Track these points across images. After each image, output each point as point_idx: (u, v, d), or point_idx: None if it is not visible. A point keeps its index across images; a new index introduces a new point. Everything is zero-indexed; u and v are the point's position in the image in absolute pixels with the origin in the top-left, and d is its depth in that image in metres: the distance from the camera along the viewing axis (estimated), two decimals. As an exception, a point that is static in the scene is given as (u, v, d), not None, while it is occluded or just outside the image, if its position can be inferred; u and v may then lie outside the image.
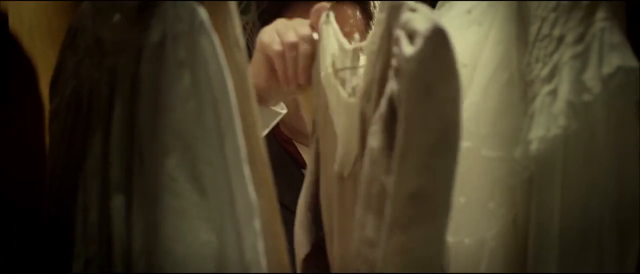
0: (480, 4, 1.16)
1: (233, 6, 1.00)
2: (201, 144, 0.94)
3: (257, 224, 0.94)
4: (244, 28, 2.30)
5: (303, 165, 1.82)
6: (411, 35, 0.93)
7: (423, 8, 0.95)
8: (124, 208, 0.98)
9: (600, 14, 1.04)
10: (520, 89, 1.08)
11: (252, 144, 1.00)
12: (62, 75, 1.10)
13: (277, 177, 1.79)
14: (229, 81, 0.95)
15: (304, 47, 1.29)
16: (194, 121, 0.94)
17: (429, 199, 0.94)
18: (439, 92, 0.91)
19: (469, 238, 1.09)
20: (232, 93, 0.95)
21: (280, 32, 1.30)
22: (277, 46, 1.29)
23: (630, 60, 1.00)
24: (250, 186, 0.95)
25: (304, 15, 1.70)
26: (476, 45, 1.13)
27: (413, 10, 0.95)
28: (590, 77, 1.01)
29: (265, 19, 1.82)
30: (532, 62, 1.08)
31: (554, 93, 1.03)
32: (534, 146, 1.03)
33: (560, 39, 1.05)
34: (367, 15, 1.77)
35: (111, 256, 0.99)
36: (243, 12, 2.29)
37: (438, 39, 0.91)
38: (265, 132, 1.41)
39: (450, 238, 1.09)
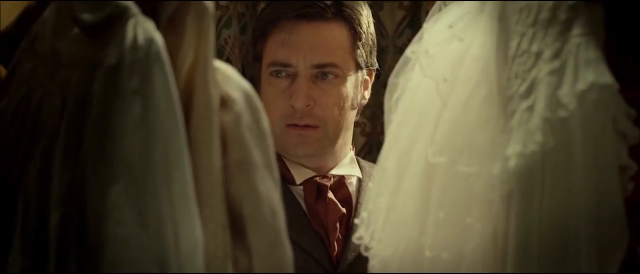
0: (462, 18, 1.17)
1: (212, 38, 1.00)
2: (148, 176, 0.94)
3: (200, 261, 0.95)
4: (226, 42, 2.31)
5: (291, 181, 1.81)
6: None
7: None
8: (61, 228, 0.98)
9: (577, 30, 1.05)
10: (499, 105, 1.09)
11: (202, 175, 1.00)
12: (16, 77, 1.10)
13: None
14: (179, 114, 0.95)
15: None
16: (143, 152, 0.94)
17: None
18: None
19: (447, 252, 1.10)
20: (181, 127, 0.95)
21: None
22: None
23: (604, 77, 1.01)
24: (197, 219, 0.96)
25: (293, 32, 1.72)
26: (456, 60, 1.14)
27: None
28: (566, 93, 1.01)
29: (254, 37, 1.83)
30: (511, 77, 1.08)
31: (531, 109, 1.04)
32: (512, 162, 1.04)
33: (538, 55, 1.06)
34: (355, 34, 1.78)
35: (46, 271, 0.99)
36: (225, 26, 2.30)
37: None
38: None
39: (428, 253, 1.10)
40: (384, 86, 2.56)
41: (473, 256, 1.08)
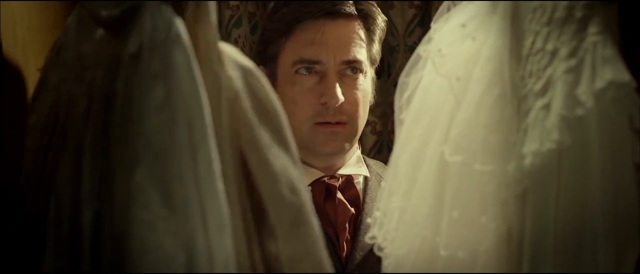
0: (475, 18, 1.16)
1: (213, 17, 1.00)
2: (171, 157, 0.93)
3: (228, 240, 0.94)
4: (236, 41, 2.31)
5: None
6: None
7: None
8: (94, 221, 0.97)
9: (593, 28, 1.04)
10: (513, 104, 1.09)
11: (226, 158, 0.99)
12: (43, 92, 1.10)
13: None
14: (203, 95, 0.95)
15: None
16: (166, 133, 0.93)
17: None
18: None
19: (462, 251, 1.10)
20: (206, 107, 0.95)
21: None
22: None
23: (622, 75, 1.01)
24: (224, 201, 0.94)
25: (321, 30, 1.72)
26: (469, 60, 1.14)
27: None
28: (583, 91, 1.01)
29: (268, 37, 1.83)
30: (525, 76, 1.08)
31: (547, 107, 1.04)
32: (528, 160, 1.03)
33: (554, 53, 1.05)
34: (370, 31, 1.79)
35: (81, 269, 0.98)
36: (235, 25, 2.30)
37: None
38: None
39: (443, 252, 1.10)
40: (395, 84, 2.56)
41: (488, 256, 1.08)
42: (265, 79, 1.05)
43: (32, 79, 1.24)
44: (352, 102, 1.73)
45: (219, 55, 1.00)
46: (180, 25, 0.96)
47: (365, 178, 1.84)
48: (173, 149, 0.93)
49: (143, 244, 0.91)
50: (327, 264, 1.03)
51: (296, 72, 1.75)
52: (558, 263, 1.03)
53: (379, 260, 1.24)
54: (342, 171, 1.81)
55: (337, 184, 1.77)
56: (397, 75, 2.37)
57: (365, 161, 1.88)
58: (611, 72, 1.01)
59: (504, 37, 1.11)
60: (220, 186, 0.95)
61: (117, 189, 0.94)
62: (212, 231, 0.93)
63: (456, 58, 1.15)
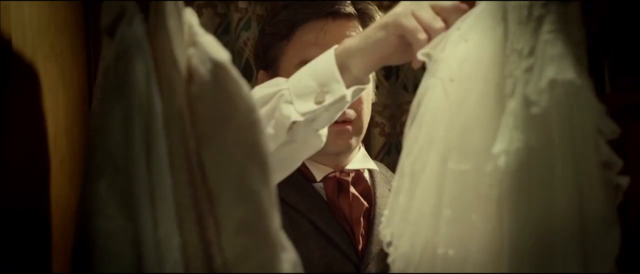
0: (467, 20, 1.18)
1: (171, 23, 1.01)
2: (130, 170, 0.96)
3: (176, 252, 0.97)
4: (245, 44, 2.32)
5: (311, 179, 1.84)
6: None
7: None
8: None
9: (547, 26, 1.05)
10: (496, 105, 1.10)
11: (187, 164, 1.01)
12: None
13: (289, 189, 1.80)
14: (157, 105, 0.97)
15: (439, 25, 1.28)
16: (125, 147, 0.96)
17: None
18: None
19: (453, 249, 1.11)
20: (159, 118, 0.97)
21: (424, 20, 1.29)
22: (422, 34, 1.28)
23: (565, 73, 1.01)
24: (172, 211, 0.97)
25: (324, 30, 1.73)
26: (463, 61, 1.15)
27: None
28: (532, 91, 1.02)
29: (268, 41, 1.84)
30: (506, 76, 1.09)
31: (513, 107, 1.06)
32: (500, 160, 1.05)
33: (520, 53, 1.07)
34: None
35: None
36: (244, 28, 2.31)
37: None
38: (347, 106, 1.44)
39: (440, 250, 1.12)
40: (403, 87, 2.57)
41: (479, 254, 1.09)
42: (237, 74, 1.04)
43: (40, 81, 1.25)
44: (357, 100, 1.75)
45: (173, 59, 1.00)
46: (142, 35, 0.98)
47: (371, 172, 1.88)
48: (131, 161, 0.96)
49: (106, 254, 0.95)
50: None
51: None
52: (534, 263, 1.03)
53: None
54: (350, 166, 1.84)
55: (349, 179, 1.80)
56: (405, 77, 2.38)
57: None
58: (553, 70, 1.01)
59: (492, 38, 1.12)
60: (170, 197, 0.97)
61: (83, 199, 0.98)
62: (162, 239, 0.96)
63: (451, 60, 1.16)
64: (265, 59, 1.84)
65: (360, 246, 1.78)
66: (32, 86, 1.23)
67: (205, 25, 2.35)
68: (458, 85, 1.13)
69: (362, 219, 1.78)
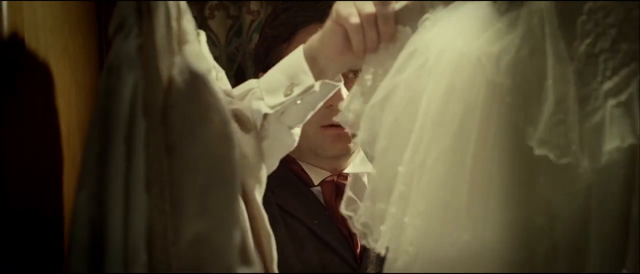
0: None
1: (161, 39, 1.01)
2: (108, 180, 0.98)
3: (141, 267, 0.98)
4: (237, 50, 2.33)
5: (309, 183, 1.83)
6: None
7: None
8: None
9: None
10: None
11: (159, 178, 1.02)
12: None
13: (287, 194, 1.80)
14: (140, 123, 0.98)
15: (383, 18, 1.29)
16: (104, 157, 0.98)
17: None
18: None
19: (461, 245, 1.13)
20: (140, 135, 0.98)
21: (358, 5, 1.31)
22: (354, 19, 1.31)
23: None
24: (142, 232, 0.99)
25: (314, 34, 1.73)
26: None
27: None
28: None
29: (269, 44, 1.84)
30: (586, 76, 1.12)
31: (624, 105, 1.10)
32: (614, 156, 1.07)
33: (629, 53, 1.09)
34: None
35: None
36: (256, 30, 2.32)
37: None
38: (320, 105, 1.45)
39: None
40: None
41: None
42: (215, 85, 1.05)
43: (52, 83, 1.26)
44: None
45: (157, 74, 1.01)
46: (134, 51, 0.99)
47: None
48: (109, 174, 0.98)
49: (78, 262, 0.99)
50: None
51: None
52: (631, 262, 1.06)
53: None
54: (348, 170, 1.83)
55: (346, 183, 1.79)
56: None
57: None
58: None
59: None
60: (143, 211, 0.99)
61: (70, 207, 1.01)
62: (130, 250, 0.98)
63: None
64: (266, 62, 1.83)
65: (358, 250, 1.77)
66: (45, 86, 1.24)
67: (217, 27, 2.35)
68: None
69: (360, 223, 1.77)
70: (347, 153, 1.81)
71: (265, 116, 1.38)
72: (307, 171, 1.84)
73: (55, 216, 1.21)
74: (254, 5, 2.32)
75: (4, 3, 1.13)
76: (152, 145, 1.00)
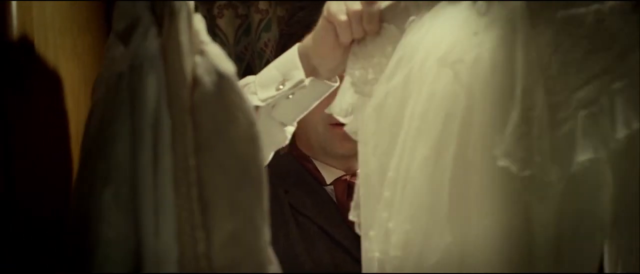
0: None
1: (185, 39, 1.01)
2: (137, 179, 0.97)
3: (173, 264, 0.98)
4: (265, 45, 2.33)
5: (322, 182, 1.84)
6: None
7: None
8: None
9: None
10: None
11: (187, 176, 1.02)
12: (95, 89, 1.14)
13: (300, 192, 1.80)
14: (165, 120, 0.98)
15: (368, 16, 1.33)
16: (133, 157, 0.98)
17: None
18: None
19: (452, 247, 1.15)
20: (167, 134, 0.98)
21: (348, 3, 1.35)
22: (343, 16, 1.34)
23: None
24: (172, 224, 0.98)
25: None
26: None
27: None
28: None
29: (286, 42, 1.84)
30: (553, 86, 1.12)
31: (597, 115, 1.12)
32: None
33: (603, 66, 1.10)
34: None
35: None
36: (265, 29, 2.32)
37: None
38: (314, 105, 1.48)
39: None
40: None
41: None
42: (239, 87, 1.05)
43: (62, 83, 1.26)
44: None
45: (182, 75, 1.01)
46: (156, 50, 0.99)
47: None
48: (137, 172, 0.97)
49: (106, 261, 0.97)
50: None
51: None
52: None
53: None
54: None
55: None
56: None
57: None
58: None
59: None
60: (171, 208, 0.99)
61: (92, 204, 0.99)
62: (161, 252, 0.97)
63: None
64: None
65: (369, 249, 1.77)
66: (54, 87, 1.24)
67: (226, 26, 2.35)
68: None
69: (371, 222, 1.78)
70: (356, 152, 1.81)
71: (257, 109, 1.40)
72: (320, 170, 1.86)
73: (65, 216, 1.21)
74: (262, 5, 2.33)
75: (13, 3, 1.14)
76: (178, 144, 1.00)
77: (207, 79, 1.01)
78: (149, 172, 0.97)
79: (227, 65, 1.03)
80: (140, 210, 0.96)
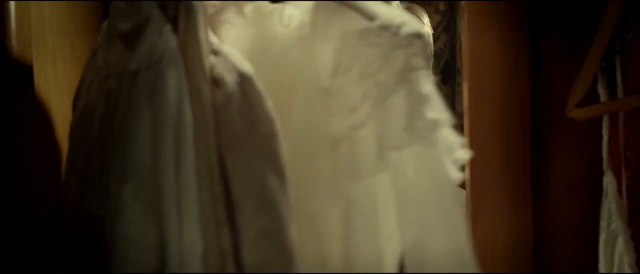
0: None
1: (201, 35, 1.02)
2: (157, 176, 0.97)
3: (198, 259, 0.98)
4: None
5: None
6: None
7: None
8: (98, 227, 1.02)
9: None
10: None
11: (210, 173, 1.02)
12: (82, 90, 1.13)
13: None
14: (188, 115, 0.98)
15: None
16: (154, 153, 0.97)
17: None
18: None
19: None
20: (189, 126, 0.98)
21: None
22: None
23: None
24: (196, 220, 0.98)
25: None
26: None
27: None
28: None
29: None
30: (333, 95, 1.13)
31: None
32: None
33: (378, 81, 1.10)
34: None
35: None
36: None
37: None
38: None
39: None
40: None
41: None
42: (260, 85, 1.06)
43: (60, 85, 1.26)
44: None
45: (203, 70, 1.02)
46: (175, 46, 0.99)
47: None
48: (159, 168, 0.96)
49: (125, 257, 0.96)
50: None
51: None
52: None
53: None
54: None
55: None
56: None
57: None
58: None
59: None
60: (194, 204, 0.98)
61: (110, 201, 0.98)
62: (186, 250, 0.97)
63: None
64: None
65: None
66: (54, 89, 1.24)
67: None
68: None
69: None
70: None
71: None
72: None
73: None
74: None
75: (12, 4, 1.14)
76: (201, 140, 1.00)
77: (229, 79, 1.02)
78: (171, 168, 0.96)
79: (247, 65, 1.04)
80: (162, 207, 0.96)
